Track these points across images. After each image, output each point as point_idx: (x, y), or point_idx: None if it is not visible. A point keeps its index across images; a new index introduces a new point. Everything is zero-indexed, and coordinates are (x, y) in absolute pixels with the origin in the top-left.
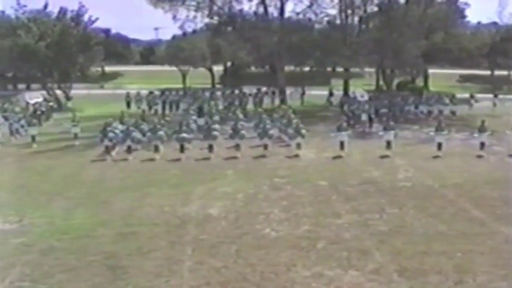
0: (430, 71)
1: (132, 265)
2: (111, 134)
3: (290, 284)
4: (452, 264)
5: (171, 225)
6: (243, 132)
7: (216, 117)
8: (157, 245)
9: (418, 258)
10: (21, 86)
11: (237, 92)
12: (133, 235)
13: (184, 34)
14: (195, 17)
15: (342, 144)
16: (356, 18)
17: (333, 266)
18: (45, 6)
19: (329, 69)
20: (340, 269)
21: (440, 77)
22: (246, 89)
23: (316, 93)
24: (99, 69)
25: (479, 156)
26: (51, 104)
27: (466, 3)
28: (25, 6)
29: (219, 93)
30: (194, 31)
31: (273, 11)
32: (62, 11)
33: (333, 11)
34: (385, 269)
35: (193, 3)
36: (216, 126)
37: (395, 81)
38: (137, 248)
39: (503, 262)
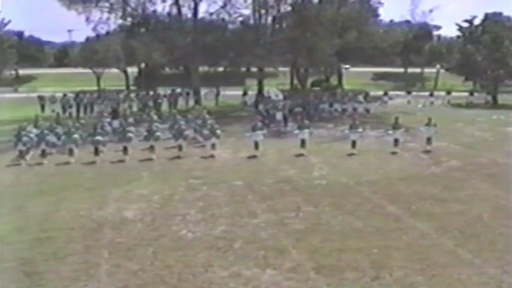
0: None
1: (48, 270)
2: (25, 138)
3: (208, 284)
4: (369, 260)
5: (87, 229)
6: (157, 133)
7: (131, 119)
8: (74, 249)
9: (335, 255)
10: None
11: (151, 93)
12: (49, 240)
13: (98, 36)
14: (108, 18)
15: (256, 143)
16: (270, 18)
17: (250, 266)
18: None
19: (243, 69)
20: (258, 268)
21: (354, 75)
22: (161, 90)
23: (231, 94)
24: (13, 72)
25: (394, 153)
26: None
27: (379, 2)
28: None
29: (133, 95)
30: (108, 33)
31: (187, 12)
32: None
33: (247, 11)
34: (302, 267)
35: (107, 4)
36: (131, 128)
37: (310, 80)
38: (54, 253)
39: (419, 257)
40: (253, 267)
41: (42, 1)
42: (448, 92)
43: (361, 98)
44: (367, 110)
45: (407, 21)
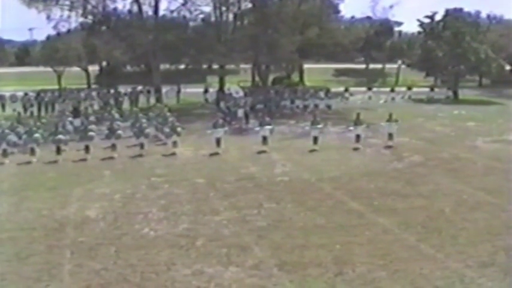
0: (306, 66)
1: (10, 271)
2: None
3: (170, 283)
4: (332, 256)
5: (49, 228)
6: (119, 132)
7: (92, 118)
8: (36, 249)
9: (298, 251)
10: None
11: (112, 91)
12: (11, 240)
13: (59, 34)
14: (69, 16)
15: (218, 141)
16: (231, 15)
17: (213, 263)
18: None
19: (205, 66)
20: (220, 265)
21: (316, 71)
22: (122, 89)
23: (192, 91)
24: None
25: (356, 149)
26: None
27: None
28: None
29: (94, 93)
30: (69, 31)
31: (148, 10)
32: None
33: (208, 8)
34: (265, 263)
35: (67, 2)
36: (92, 126)
37: (271, 77)
38: (16, 253)
39: (381, 252)
40: (216, 264)
41: (2, 0)
42: (409, 88)
43: (322, 94)
44: (329, 106)
45: (369, 18)
